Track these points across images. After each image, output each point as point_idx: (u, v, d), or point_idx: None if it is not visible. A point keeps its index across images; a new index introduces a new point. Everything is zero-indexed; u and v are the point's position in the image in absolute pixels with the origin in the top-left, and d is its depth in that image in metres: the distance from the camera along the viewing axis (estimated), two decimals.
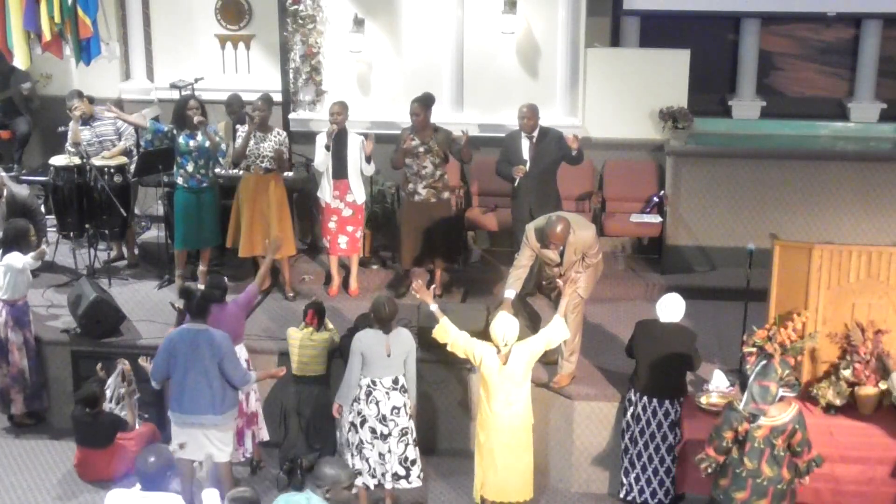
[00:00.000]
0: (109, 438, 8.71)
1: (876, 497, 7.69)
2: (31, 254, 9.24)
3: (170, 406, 8.11)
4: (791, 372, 7.05)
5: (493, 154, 11.04)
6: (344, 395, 8.14)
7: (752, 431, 6.85)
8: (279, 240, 9.25)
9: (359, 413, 8.08)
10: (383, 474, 8.16)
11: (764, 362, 6.91)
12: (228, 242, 10.31)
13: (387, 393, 8.05)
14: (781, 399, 6.88)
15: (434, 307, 8.07)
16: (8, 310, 9.25)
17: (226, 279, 8.84)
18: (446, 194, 10.22)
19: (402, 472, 8.17)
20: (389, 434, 8.07)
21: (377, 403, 8.05)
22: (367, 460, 8.13)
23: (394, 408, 8.07)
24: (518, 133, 9.89)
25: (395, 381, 8.07)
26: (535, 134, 9.81)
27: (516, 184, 9.75)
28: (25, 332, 9.38)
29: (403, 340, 8.10)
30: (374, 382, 8.04)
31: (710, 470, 7.07)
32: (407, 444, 8.15)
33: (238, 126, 10.84)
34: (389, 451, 8.11)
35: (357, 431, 8.11)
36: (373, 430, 8.08)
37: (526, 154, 9.80)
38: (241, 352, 8.60)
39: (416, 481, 8.25)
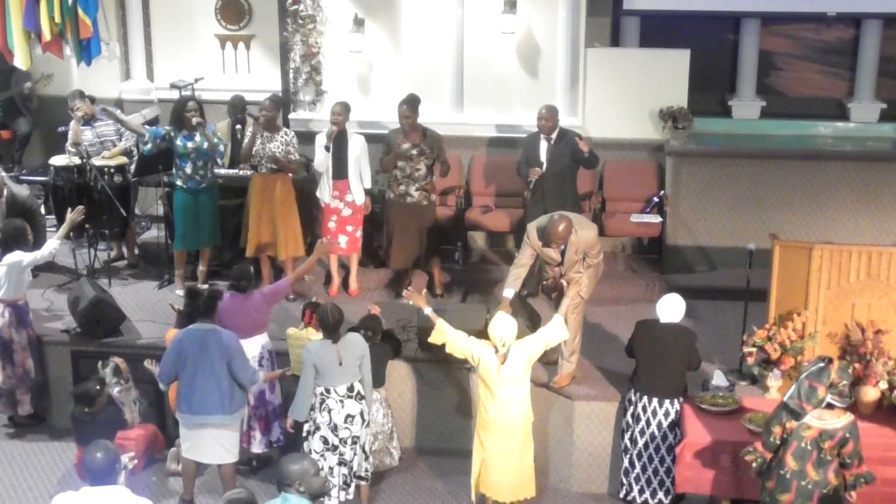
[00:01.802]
0: (108, 438, 8.68)
1: (877, 497, 7.68)
2: (54, 239, 9.22)
3: (178, 407, 8.11)
4: (846, 384, 6.91)
5: (493, 154, 11.08)
6: (298, 408, 8.00)
7: (798, 430, 6.82)
8: (330, 242, 9.16)
9: (314, 421, 8.02)
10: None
11: (821, 364, 6.84)
12: (247, 249, 10.22)
13: (341, 401, 7.96)
14: (831, 407, 6.82)
15: (428, 310, 8.05)
16: (10, 310, 9.24)
17: (251, 268, 8.84)
18: (433, 196, 10.24)
19: (345, 486, 8.05)
20: (340, 444, 7.97)
21: (329, 412, 7.95)
22: None
23: (348, 416, 7.96)
24: (537, 135, 9.89)
25: (351, 389, 7.98)
26: (554, 136, 9.80)
27: (532, 185, 9.74)
28: (28, 331, 9.38)
29: (355, 347, 7.98)
30: (327, 391, 7.95)
31: (754, 464, 7.05)
32: (355, 453, 8.02)
33: (238, 126, 10.83)
34: (340, 464, 7.98)
35: (310, 440, 8.05)
36: (324, 440, 7.98)
37: (543, 156, 9.80)
38: (264, 341, 8.67)
39: (351, 494, 8.11)
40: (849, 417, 6.89)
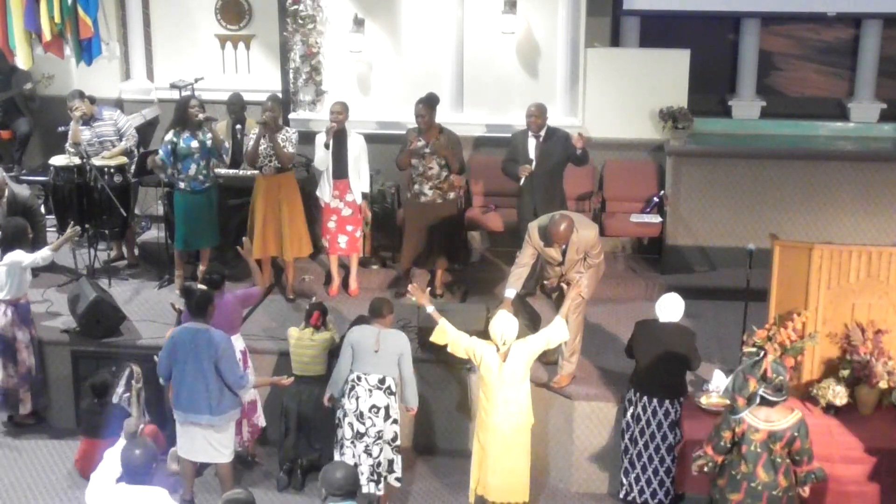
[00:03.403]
0: (116, 430, 8.68)
1: (877, 497, 7.69)
2: (47, 248, 9.26)
3: (173, 405, 8.13)
4: (781, 379, 6.78)
5: (493, 154, 11.07)
6: (333, 384, 8.17)
7: (748, 434, 6.83)
8: (248, 243, 9.22)
9: (343, 408, 8.08)
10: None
11: (756, 358, 6.89)
12: (252, 251, 10.17)
13: (369, 390, 8.01)
14: (770, 403, 6.78)
15: (431, 309, 8.07)
16: (12, 309, 9.25)
17: (225, 270, 8.86)
18: (452, 195, 10.21)
19: (374, 477, 8.09)
20: (365, 433, 8.01)
21: (357, 399, 8.01)
22: (342, 458, 8.09)
23: (373, 406, 8.01)
24: (525, 132, 9.88)
25: (382, 381, 8.03)
26: (542, 133, 9.80)
27: (521, 183, 9.74)
28: (31, 330, 9.40)
29: (396, 340, 8.06)
30: (359, 378, 8.02)
31: (705, 469, 7.04)
32: (381, 449, 8.03)
33: (238, 126, 10.83)
34: (366, 453, 8.02)
35: (341, 427, 8.11)
36: (351, 426, 8.05)
37: (532, 153, 9.79)
38: (238, 342, 8.64)
39: (381, 489, 8.14)
40: (796, 416, 6.86)
